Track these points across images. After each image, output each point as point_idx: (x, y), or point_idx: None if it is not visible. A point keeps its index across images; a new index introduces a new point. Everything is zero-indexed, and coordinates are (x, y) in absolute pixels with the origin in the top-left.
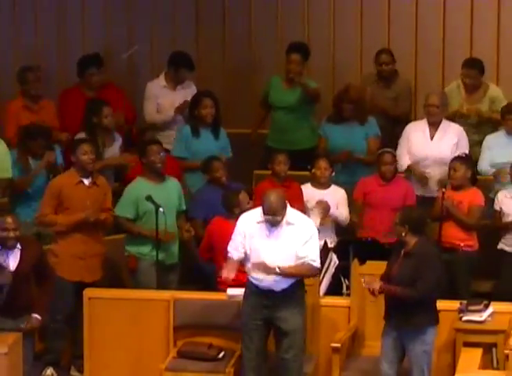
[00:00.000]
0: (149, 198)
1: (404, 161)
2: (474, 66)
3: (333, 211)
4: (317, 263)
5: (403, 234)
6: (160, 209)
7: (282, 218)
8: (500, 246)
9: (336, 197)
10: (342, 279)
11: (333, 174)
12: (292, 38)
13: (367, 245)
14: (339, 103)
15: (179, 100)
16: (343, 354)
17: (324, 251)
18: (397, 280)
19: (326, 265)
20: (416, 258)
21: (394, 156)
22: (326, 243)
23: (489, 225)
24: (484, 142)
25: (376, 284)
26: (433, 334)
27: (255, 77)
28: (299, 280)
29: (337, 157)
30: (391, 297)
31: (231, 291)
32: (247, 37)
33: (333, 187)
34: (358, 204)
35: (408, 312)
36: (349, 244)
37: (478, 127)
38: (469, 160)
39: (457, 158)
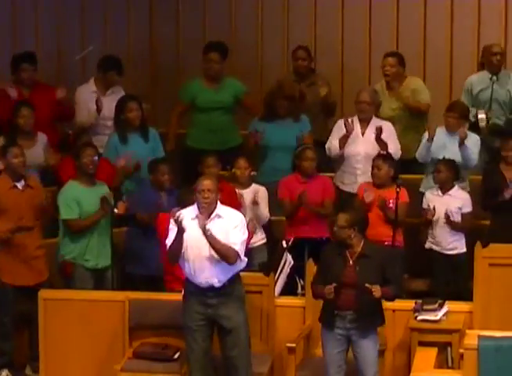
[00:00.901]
0: (104, 199)
1: (335, 143)
2: (393, 56)
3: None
4: (237, 247)
5: (352, 236)
6: (115, 210)
7: (215, 203)
8: (428, 245)
9: (257, 196)
10: (297, 279)
11: (253, 173)
12: (218, 38)
13: (322, 245)
14: (273, 100)
15: (108, 106)
16: (298, 354)
17: (279, 251)
18: (358, 284)
19: (281, 265)
20: (378, 258)
21: (315, 152)
22: (281, 243)
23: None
24: (425, 134)
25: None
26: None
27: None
28: (237, 275)
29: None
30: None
31: None
32: (175, 40)
33: (254, 186)
34: (286, 203)
35: (361, 313)
36: (304, 243)
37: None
38: (391, 158)
39: (379, 156)
